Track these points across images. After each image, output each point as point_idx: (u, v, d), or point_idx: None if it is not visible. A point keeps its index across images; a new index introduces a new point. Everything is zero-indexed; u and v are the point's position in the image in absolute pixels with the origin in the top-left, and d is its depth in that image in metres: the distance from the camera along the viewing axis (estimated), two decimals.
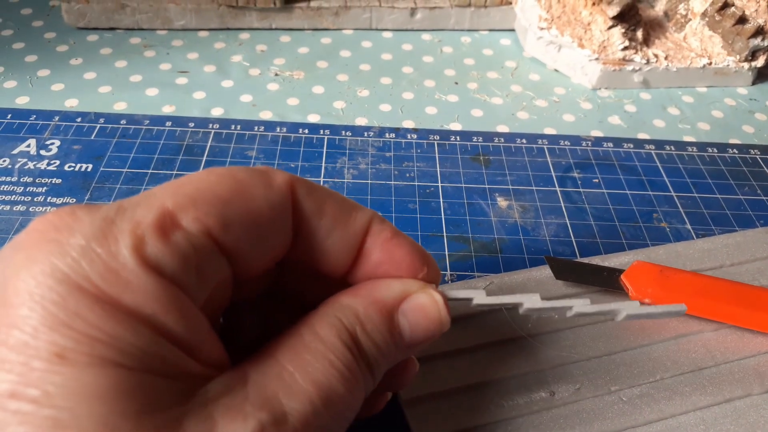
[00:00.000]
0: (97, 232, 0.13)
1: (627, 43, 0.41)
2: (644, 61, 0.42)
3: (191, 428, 0.13)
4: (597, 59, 0.42)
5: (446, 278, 0.28)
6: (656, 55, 0.43)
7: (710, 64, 0.43)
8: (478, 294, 0.19)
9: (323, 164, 0.34)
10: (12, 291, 0.12)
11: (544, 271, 0.27)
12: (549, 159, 0.36)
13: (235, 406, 0.14)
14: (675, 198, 0.34)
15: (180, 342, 0.14)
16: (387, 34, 0.47)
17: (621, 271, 0.26)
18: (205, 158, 0.34)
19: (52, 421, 0.12)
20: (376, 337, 0.16)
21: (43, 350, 0.12)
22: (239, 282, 0.16)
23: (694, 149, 0.38)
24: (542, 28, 0.43)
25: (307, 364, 0.15)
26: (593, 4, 0.42)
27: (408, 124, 0.38)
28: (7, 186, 0.31)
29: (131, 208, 0.14)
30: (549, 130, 0.39)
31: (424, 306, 0.17)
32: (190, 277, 0.14)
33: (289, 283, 0.20)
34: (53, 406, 0.12)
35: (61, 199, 0.31)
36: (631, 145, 0.38)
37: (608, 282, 0.26)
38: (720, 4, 0.43)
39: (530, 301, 0.19)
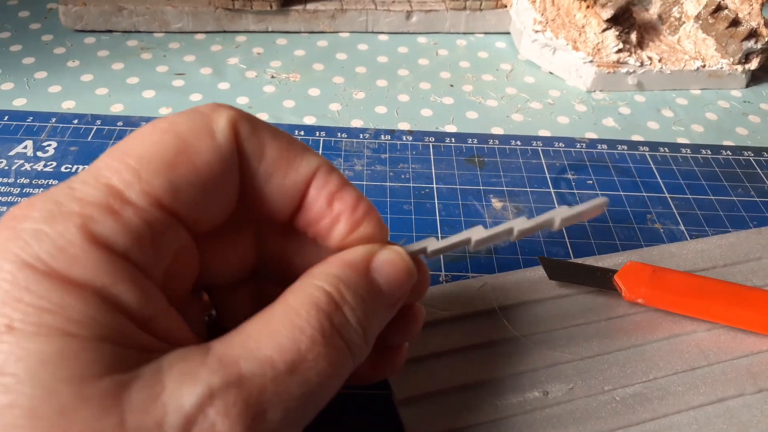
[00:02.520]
0: (46, 215, 0.14)
1: (621, 46, 0.42)
2: (638, 64, 0.42)
3: (137, 392, 0.13)
4: (591, 62, 0.42)
5: (440, 279, 0.28)
6: (650, 58, 0.43)
7: (704, 66, 0.43)
8: (430, 242, 0.19)
9: None
10: None
11: (538, 272, 0.27)
12: (543, 161, 0.36)
13: (189, 371, 0.13)
14: (669, 199, 0.34)
15: (132, 313, 0.14)
16: (383, 37, 0.47)
17: (614, 272, 0.26)
18: None
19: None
20: (360, 295, 0.16)
21: None
22: (216, 265, 0.16)
23: (688, 151, 0.38)
24: (537, 31, 0.43)
25: (273, 331, 0.15)
26: (587, 7, 0.42)
27: (403, 126, 0.38)
28: (3, 187, 0.32)
29: (79, 186, 0.14)
30: (543, 132, 0.39)
31: (391, 260, 0.17)
32: (145, 250, 0.14)
33: (274, 258, 0.20)
34: (1, 373, 0.12)
35: None
36: (625, 147, 0.38)
37: (601, 282, 0.26)
38: (713, 7, 0.43)
39: (476, 234, 0.19)
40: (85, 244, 0.13)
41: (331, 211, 0.17)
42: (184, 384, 0.13)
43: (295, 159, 0.17)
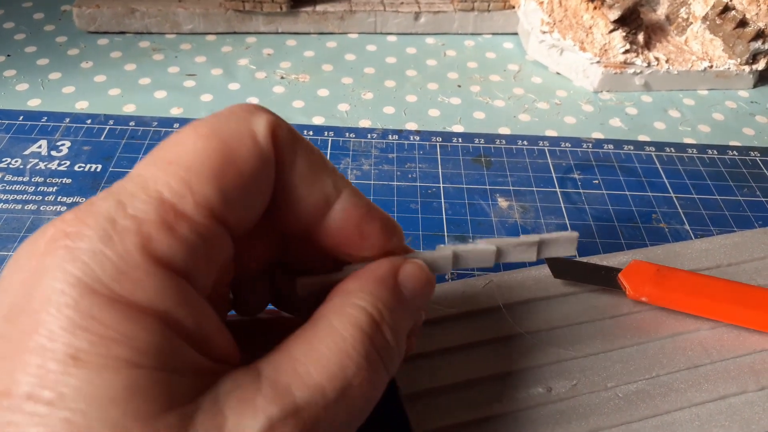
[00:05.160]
0: (102, 235, 0.13)
1: (628, 47, 0.42)
2: (645, 64, 0.42)
3: (202, 424, 0.13)
4: (598, 62, 0.42)
5: (446, 276, 0.29)
6: (657, 59, 0.43)
7: (711, 67, 0.43)
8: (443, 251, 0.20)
9: None
10: (33, 298, 0.13)
11: (543, 270, 0.27)
12: (550, 160, 0.36)
13: (247, 400, 0.14)
14: (674, 199, 0.34)
15: (191, 336, 0.14)
16: (391, 38, 0.47)
17: (618, 270, 0.27)
18: None
19: (65, 423, 0.12)
20: (396, 313, 0.17)
21: (59, 352, 0.12)
22: (244, 257, 0.16)
23: (694, 151, 0.38)
24: (544, 32, 0.44)
25: (321, 356, 0.15)
26: (595, 8, 0.43)
27: (411, 126, 0.39)
28: (18, 186, 0.32)
29: (129, 202, 0.14)
30: (550, 132, 0.39)
31: (414, 273, 0.18)
32: (199, 264, 0.14)
33: (291, 249, 0.20)
34: (67, 408, 0.12)
35: (71, 198, 0.32)
36: (632, 147, 0.38)
37: (606, 281, 0.27)
38: (721, 8, 0.43)
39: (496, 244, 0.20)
40: (147, 266, 0.13)
41: (360, 233, 0.17)
42: (245, 415, 0.13)
43: (322, 176, 0.17)
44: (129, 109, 0.39)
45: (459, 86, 0.43)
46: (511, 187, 0.34)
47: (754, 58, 0.44)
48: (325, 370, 0.15)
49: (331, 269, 0.19)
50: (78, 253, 0.13)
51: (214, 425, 0.13)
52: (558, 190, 0.34)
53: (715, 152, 0.38)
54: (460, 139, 0.38)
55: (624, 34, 0.42)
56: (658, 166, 0.37)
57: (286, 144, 0.16)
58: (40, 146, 0.35)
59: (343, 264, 0.19)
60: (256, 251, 0.19)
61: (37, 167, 0.34)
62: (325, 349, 0.15)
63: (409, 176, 0.35)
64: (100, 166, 0.34)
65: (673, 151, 0.38)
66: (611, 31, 0.42)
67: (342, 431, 0.15)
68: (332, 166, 0.17)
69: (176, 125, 0.37)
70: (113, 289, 0.13)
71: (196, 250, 0.14)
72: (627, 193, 0.35)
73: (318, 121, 0.39)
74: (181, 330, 0.13)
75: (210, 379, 0.14)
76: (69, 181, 0.33)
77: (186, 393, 0.13)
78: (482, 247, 0.20)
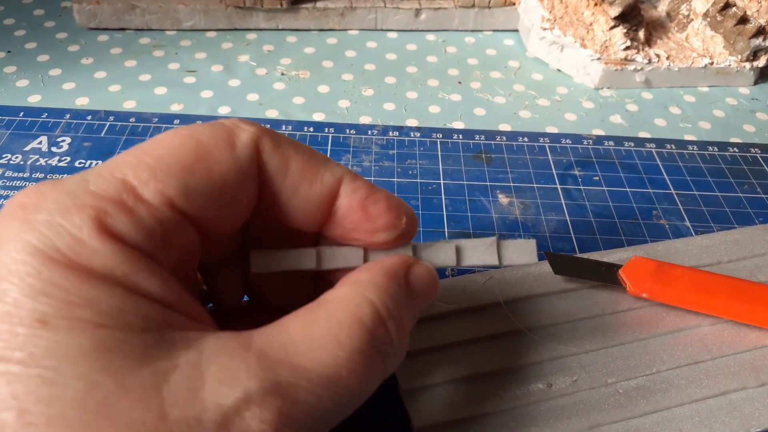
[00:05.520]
0: (60, 207, 0.14)
1: (629, 43, 0.42)
2: (646, 61, 0.42)
3: (177, 384, 0.13)
4: (599, 59, 0.42)
5: (446, 272, 0.29)
6: (658, 55, 0.43)
7: (712, 64, 0.43)
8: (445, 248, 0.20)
9: None
10: None
11: (544, 267, 0.27)
12: (550, 157, 0.36)
13: (230, 368, 0.14)
14: (675, 195, 0.34)
15: (156, 298, 0.14)
16: (392, 35, 0.47)
17: (619, 266, 0.27)
18: None
19: (39, 379, 0.12)
20: (404, 307, 0.17)
21: (26, 317, 0.13)
22: (209, 243, 0.17)
23: (695, 148, 0.38)
24: (545, 29, 0.44)
25: (314, 340, 0.15)
26: (595, 4, 0.42)
27: (411, 122, 0.39)
28: (19, 181, 0.32)
29: (93, 179, 0.14)
30: (551, 129, 0.39)
31: (422, 274, 0.18)
32: (156, 245, 0.15)
33: (262, 237, 0.20)
34: (38, 365, 0.12)
35: None
36: (632, 144, 0.38)
37: (606, 277, 0.27)
38: (722, 5, 0.43)
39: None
40: (101, 236, 0.14)
41: (367, 216, 0.18)
42: (224, 384, 0.13)
43: (319, 170, 0.17)
44: (129, 105, 0.39)
45: (459, 83, 0.43)
46: (511, 184, 0.34)
47: (754, 55, 0.43)
48: (315, 355, 0.15)
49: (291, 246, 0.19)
50: (35, 224, 0.13)
51: (190, 387, 0.13)
52: (558, 186, 0.34)
53: (716, 149, 0.38)
54: (460, 136, 0.38)
55: (625, 30, 0.42)
56: (659, 162, 0.37)
57: (273, 152, 0.17)
58: (40, 142, 0.35)
59: (300, 239, 0.19)
60: (223, 241, 0.19)
61: (38, 163, 0.34)
62: (319, 334, 0.15)
63: (410, 173, 0.35)
64: (100, 162, 0.34)
65: (673, 147, 0.38)
66: (612, 28, 0.42)
67: (326, 419, 0.15)
68: (324, 157, 0.18)
69: (176, 121, 0.37)
70: (70, 258, 0.13)
71: (152, 231, 0.14)
72: (627, 189, 0.35)
73: (318, 117, 0.39)
74: (144, 294, 0.14)
75: (191, 336, 0.14)
76: None
77: (161, 351, 0.13)
78: (441, 243, 0.20)
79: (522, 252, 0.21)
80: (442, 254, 0.20)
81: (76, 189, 0.14)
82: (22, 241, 0.13)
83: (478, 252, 0.20)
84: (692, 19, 0.45)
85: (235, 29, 0.46)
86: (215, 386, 0.13)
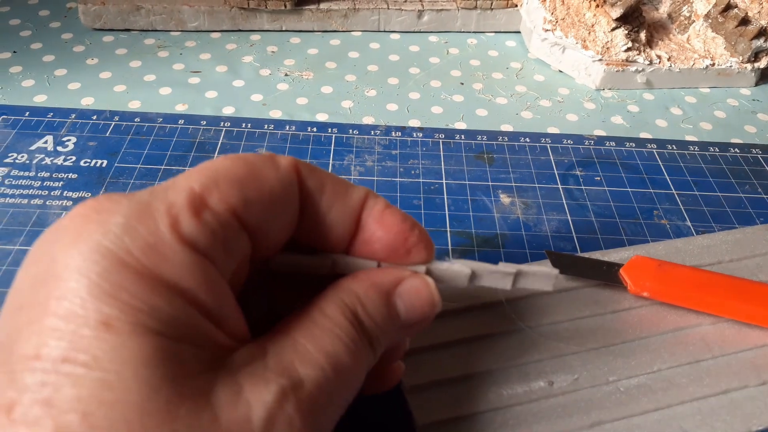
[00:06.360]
0: (135, 212, 0.14)
1: (630, 45, 0.42)
2: (647, 62, 0.42)
3: (221, 392, 0.14)
4: (600, 60, 0.42)
5: None
6: (659, 56, 0.43)
7: (713, 65, 0.43)
8: (461, 276, 0.20)
9: (331, 161, 0.35)
10: (61, 266, 0.14)
11: (545, 266, 0.27)
12: (552, 157, 0.37)
13: (258, 373, 0.15)
14: (676, 196, 0.35)
15: (210, 313, 0.15)
16: (394, 36, 0.47)
17: (620, 266, 0.27)
18: (216, 155, 0.35)
19: (101, 383, 0.13)
20: (375, 315, 0.18)
21: (90, 319, 0.13)
22: (255, 260, 0.18)
23: (696, 148, 0.38)
24: (547, 30, 0.44)
25: (316, 337, 0.17)
26: (597, 6, 0.43)
27: (414, 123, 0.39)
28: (25, 180, 0.33)
29: (162, 191, 0.15)
30: (552, 130, 0.39)
31: (417, 288, 0.19)
32: (219, 252, 0.15)
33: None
34: (102, 369, 0.13)
35: (77, 193, 0.32)
36: (633, 144, 0.38)
37: (607, 276, 0.27)
38: (723, 6, 0.43)
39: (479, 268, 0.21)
40: (175, 244, 0.14)
41: (381, 226, 0.19)
42: (258, 385, 0.15)
43: (348, 189, 0.19)
44: (134, 105, 0.39)
45: (462, 84, 0.43)
46: (513, 184, 0.35)
47: (756, 56, 0.44)
48: (321, 349, 0.16)
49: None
50: (110, 226, 0.14)
51: (233, 391, 0.14)
52: (560, 186, 0.35)
53: (717, 149, 0.38)
54: (462, 136, 0.38)
55: (626, 32, 0.42)
56: (660, 163, 0.37)
57: (310, 174, 0.18)
58: (46, 142, 0.35)
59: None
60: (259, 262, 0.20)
61: (43, 162, 0.34)
62: (319, 332, 0.17)
63: (412, 172, 0.35)
64: (105, 162, 0.34)
65: (674, 148, 0.38)
66: (613, 29, 0.42)
67: (339, 405, 0.17)
68: (348, 182, 0.20)
69: (181, 121, 0.37)
70: (142, 262, 0.14)
71: (217, 237, 0.15)
72: (629, 189, 0.35)
73: (322, 117, 0.39)
74: (202, 307, 0.15)
75: (225, 353, 0.15)
76: (75, 176, 0.33)
77: (204, 364, 0.14)
78: (457, 267, 0.20)
79: (538, 281, 0.21)
80: (455, 277, 0.20)
81: (148, 197, 0.15)
82: (94, 242, 0.14)
83: (494, 278, 0.21)
84: (693, 21, 0.45)
85: (240, 30, 0.46)
86: (253, 388, 0.15)
